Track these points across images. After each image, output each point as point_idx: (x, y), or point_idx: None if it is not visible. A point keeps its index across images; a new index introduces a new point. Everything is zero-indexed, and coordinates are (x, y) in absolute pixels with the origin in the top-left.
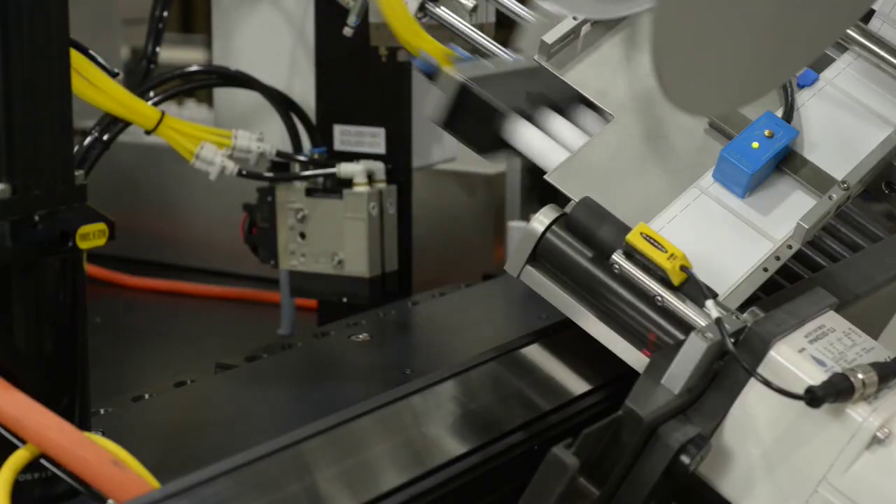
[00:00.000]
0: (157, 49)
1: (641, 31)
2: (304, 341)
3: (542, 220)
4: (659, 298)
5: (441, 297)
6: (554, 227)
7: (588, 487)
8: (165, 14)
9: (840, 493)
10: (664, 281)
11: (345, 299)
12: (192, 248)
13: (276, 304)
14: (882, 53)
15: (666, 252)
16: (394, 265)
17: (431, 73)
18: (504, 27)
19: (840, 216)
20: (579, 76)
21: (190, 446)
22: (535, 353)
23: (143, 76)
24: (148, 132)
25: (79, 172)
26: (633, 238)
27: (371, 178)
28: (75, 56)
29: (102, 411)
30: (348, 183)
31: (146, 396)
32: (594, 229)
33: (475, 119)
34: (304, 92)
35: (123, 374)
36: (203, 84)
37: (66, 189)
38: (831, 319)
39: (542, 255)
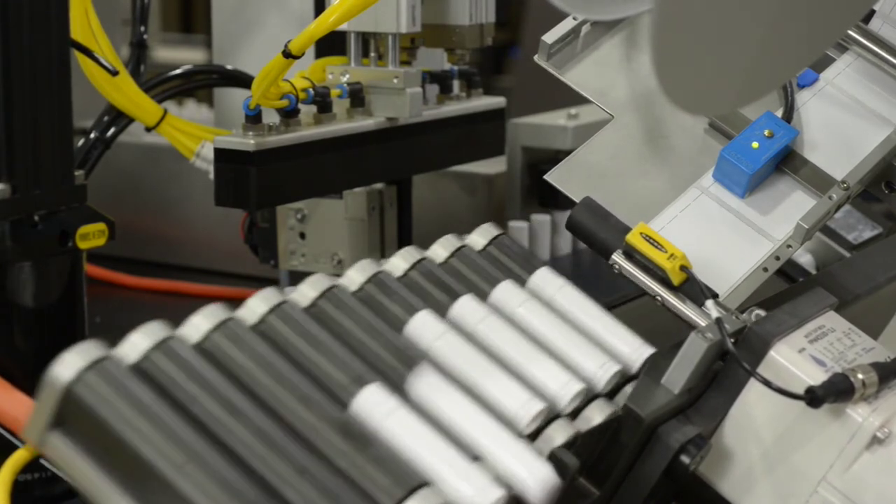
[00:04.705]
0: (144, 28)
1: (641, 31)
2: None
3: (69, 362)
4: (659, 298)
5: None
6: (90, 372)
7: (588, 487)
8: None
9: (840, 493)
10: (664, 281)
11: None
12: (192, 248)
13: None
14: (882, 53)
15: (666, 252)
16: None
17: None
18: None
19: None
20: (579, 76)
21: None
22: None
23: (135, 62)
24: (149, 129)
25: (79, 172)
26: (633, 238)
27: None
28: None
29: None
30: None
31: None
32: (594, 230)
33: None
34: None
35: None
36: (203, 84)
37: (66, 189)
38: (831, 319)
39: (71, 418)
